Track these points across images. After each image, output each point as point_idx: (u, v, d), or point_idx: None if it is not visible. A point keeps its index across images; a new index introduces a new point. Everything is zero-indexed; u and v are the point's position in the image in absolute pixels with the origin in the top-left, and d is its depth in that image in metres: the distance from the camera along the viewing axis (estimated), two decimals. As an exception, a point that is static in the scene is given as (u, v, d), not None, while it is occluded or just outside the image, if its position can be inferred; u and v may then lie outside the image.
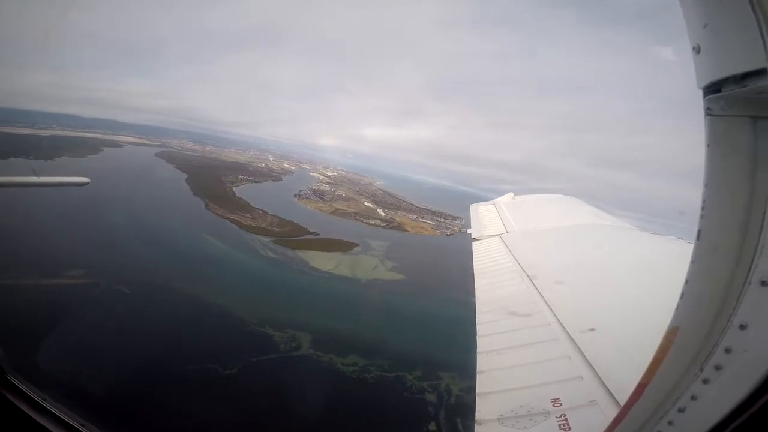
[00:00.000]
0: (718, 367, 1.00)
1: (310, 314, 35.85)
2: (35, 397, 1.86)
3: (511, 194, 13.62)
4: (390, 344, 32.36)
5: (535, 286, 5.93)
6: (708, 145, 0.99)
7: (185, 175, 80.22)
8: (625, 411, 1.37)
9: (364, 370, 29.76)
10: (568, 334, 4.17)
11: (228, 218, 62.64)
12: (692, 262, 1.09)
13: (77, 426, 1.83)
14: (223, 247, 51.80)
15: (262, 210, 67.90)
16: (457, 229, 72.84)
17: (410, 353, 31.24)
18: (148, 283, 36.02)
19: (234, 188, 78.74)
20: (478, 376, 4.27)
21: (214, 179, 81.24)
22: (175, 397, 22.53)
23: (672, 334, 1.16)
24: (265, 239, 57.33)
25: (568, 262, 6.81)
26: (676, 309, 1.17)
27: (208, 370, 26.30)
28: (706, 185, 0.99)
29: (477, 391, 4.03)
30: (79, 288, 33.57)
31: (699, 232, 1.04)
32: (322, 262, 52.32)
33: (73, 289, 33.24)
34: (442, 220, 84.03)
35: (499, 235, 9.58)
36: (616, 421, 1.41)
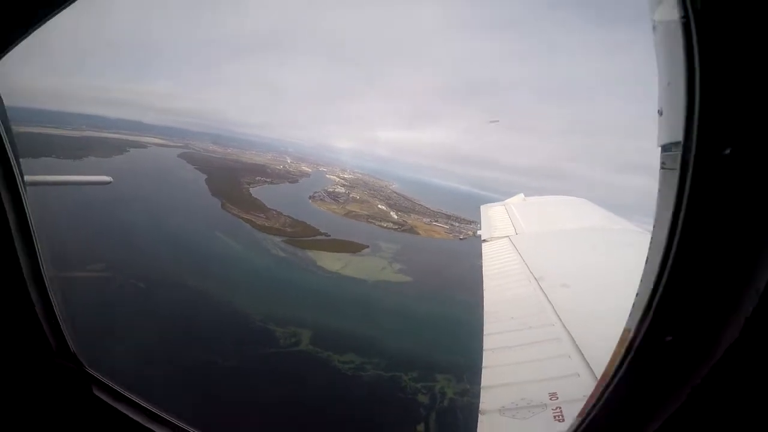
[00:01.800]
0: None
1: (313, 312, 36.35)
2: (115, 387, 1.92)
3: (522, 195, 13.61)
4: (389, 344, 32.47)
5: (541, 288, 6.04)
6: (659, 192, 0.99)
7: (205, 176, 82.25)
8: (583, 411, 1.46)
9: (360, 368, 29.97)
10: (569, 334, 4.30)
11: (243, 218, 63.94)
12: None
13: (158, 412, 1.86)
14: (235, 246, 52.95)
15: (276, 211, 69.04)
16: (471, 233, 72.08)
17: (408, 354, 31.25)
18: (161, 278, 37.20)
19: (251, 189, 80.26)
20: (483, 371, 4.45)
21: (233, 180, 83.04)
22: (172, 388, 23.16)
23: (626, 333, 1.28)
24: (276, 239, 58.29)
25: (574, 266, 6.88)
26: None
27: (209, 362, 26.93)
28: (653, 228, 1.00)
29: (482, 384, 4.21)
30: (97, 281, 34.92)
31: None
32: (330, 262, 52.81)
33: (92, 282, 34.59)
34: (456, 224, 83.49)
35: (508, 236, 9.66)
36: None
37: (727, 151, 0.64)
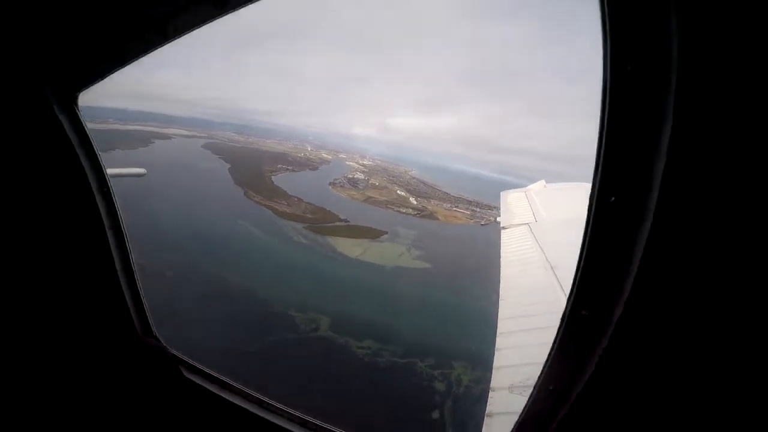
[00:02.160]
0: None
1: (332, 299, 36.89)
2: (197, 365, 2.14)
3: (543, 182, 13.42)
4: (405, 331, 32.55)
5: (556, 276, 6.17)
6: None
7: (228, 165, 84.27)
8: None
9: (377, 354, 30.39)
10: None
11: (265, 205, 65.46)
12: None
13: (237, 385, 2.05)
14: (256, 233, 54.15)
15: (297, 197, 70.32)
16: (492, 219, 71.04)
17: (424, 342, 31.33)
18: (185, 266, 38.20)
19: (272, 177, 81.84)
20: (495, 352, 4.72)
21: (255, 169, 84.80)
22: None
23: None
24: (297, 225, 59.27)
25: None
26: None
27: (230, 348, 27.26)
28: None
29: (494, 365, 4.48)
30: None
31: None
32: (349, 248, 53.35)
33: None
34: (478, 209, 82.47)
35: (527, 224, 9.71)
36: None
37: (612, 199, 1.01)
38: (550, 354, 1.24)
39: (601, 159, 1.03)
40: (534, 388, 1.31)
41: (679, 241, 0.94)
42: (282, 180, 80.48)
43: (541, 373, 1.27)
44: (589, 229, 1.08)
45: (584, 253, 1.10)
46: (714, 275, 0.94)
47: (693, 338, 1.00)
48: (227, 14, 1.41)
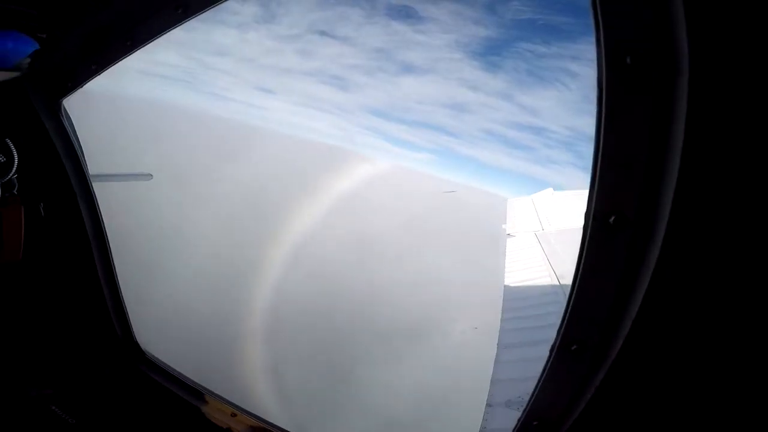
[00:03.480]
0: None
1: None
2: (169, 370, 2.13)
3: (550, 189, 13.37)
4: None
5: (561, 286, 6.03)
6: None
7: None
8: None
9: None
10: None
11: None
12: None
13: (204, 391, 2.02)
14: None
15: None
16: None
17: None
18: None
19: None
20: (494, 365, 4.58)
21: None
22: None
23: None
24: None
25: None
26: None
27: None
28: None
29: (491, 378, 4.35)
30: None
31: None
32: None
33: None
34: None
35: (534, 232, 9.59)
36: None
37: (612, 219, 0.87)
38: (536, 387, 1.13)
39: (598, 170, 0.86)
40: (518, 421, 1.20)
41: (693, 273, 0.78)
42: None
43: (527, 407, 1.17)
44: (583, 254, 0.93)
45: (577, 280, 0.95)
46: (736, 318, 0.78)
47: (703, 387, 0.85)
48: (191, 18, 1.50)
